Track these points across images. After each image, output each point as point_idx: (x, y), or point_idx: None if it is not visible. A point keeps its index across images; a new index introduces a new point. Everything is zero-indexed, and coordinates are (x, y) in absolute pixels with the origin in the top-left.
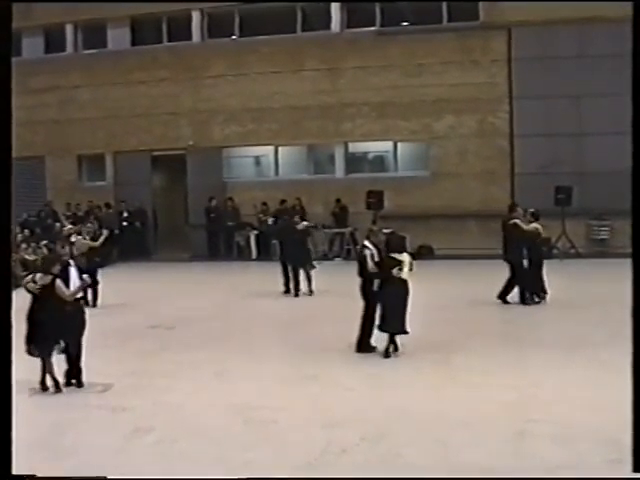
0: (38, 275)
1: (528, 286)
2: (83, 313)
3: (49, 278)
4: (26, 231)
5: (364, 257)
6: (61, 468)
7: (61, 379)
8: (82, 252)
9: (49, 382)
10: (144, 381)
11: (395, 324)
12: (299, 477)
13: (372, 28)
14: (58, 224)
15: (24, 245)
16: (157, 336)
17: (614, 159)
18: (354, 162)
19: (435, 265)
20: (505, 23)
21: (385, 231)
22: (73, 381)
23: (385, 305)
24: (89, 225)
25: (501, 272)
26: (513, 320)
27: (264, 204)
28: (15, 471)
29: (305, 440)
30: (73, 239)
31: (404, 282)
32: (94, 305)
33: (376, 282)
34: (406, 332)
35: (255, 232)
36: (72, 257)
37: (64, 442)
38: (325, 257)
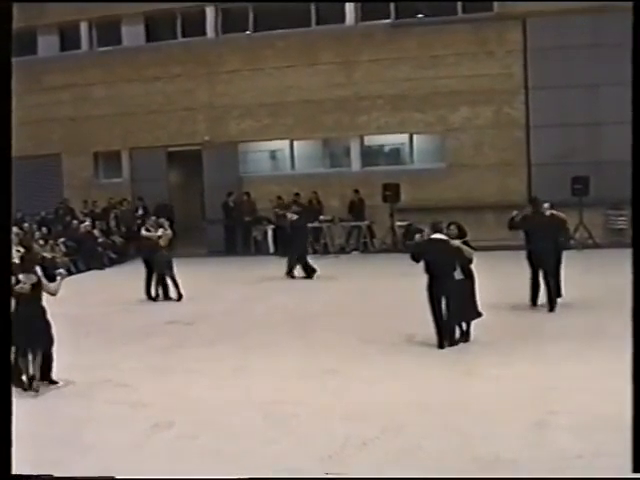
0: (21, 276)
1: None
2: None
3: (34, 277)
4: (44, 229)
5: None
6: (81, 464)
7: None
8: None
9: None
10: (163, 377)
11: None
12: (300, 477)
13: (386, 21)
14: (75, 221)
15: (42, 242)
16: (176, 332)
17: (631, 148)
18: (370, 155)
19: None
20: (520, 14)
21: (402, 224)
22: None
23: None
24: (153, 219)
25: (516, 264)
26: (530, 312)
27: (279, 198)
28: (22, 471)
29: (325, 434)
30: (146, 233)
31: None
32: (179, 298)
33: None
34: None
35: (272, 227)
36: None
37: (84, 438)
38: (342, 250)
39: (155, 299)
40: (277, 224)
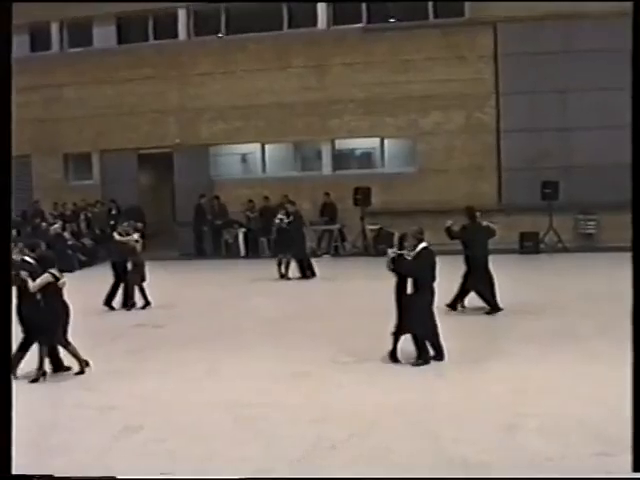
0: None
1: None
2: None
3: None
4: (13, 231)
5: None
6: (50, 467)
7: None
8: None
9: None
10: (132, 380)
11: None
12: (299, 477)
13: (358, 25)
14: (45, 224)
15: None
16: (146, 334)
17: (600, 153)
18: (341, 159)
19: None
20: (491, 19)
21: (373, 227)
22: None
23: None
24: (126, 223)
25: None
26: (498, 315)
27: (250, 201)
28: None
29: (295, 436)
30: (120, 237)
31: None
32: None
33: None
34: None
35: (243, 230)
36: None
37: (53, 441)
38: (314, 254)
39: (131, 308)
40: (248, 227)
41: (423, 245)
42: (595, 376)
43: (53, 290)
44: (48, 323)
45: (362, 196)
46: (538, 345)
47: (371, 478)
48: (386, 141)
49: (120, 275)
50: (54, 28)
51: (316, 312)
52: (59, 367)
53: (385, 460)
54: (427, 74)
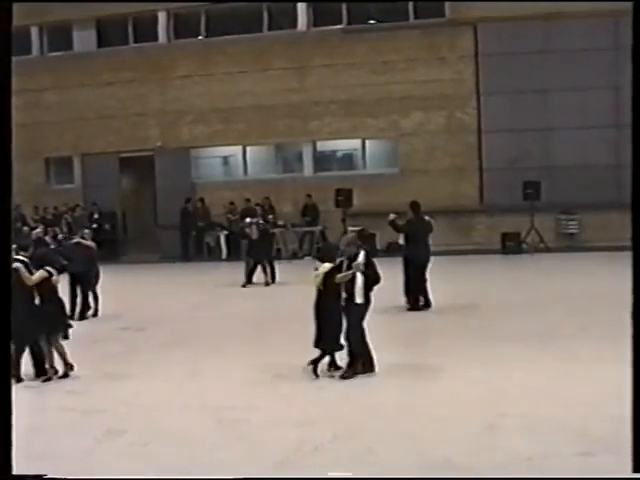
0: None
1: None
2: None
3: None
4: None
5: None
6: (33, 471)
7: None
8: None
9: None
10: (115, 383)
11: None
12: (298, 477)
13: (338, 26)
14: (26, 228)
15: None
16: (128, 338)
17: (581, 153)
18: (322, 160)
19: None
20: (471, 19)
21: (354, 229)
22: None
23: None
24: (86, 231)
25: (469, 269)
26: (479, 315)
27: (232, 204)
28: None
29: (278, 439)
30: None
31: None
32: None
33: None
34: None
35: (225, 232)
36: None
37: (35, 445)
38: (295, 256)
39: (85, 318)
40: (229, 229)
41: (363, 254)
42: (577, 375)
43: (49, 288)
44: (46, 321)
45: (344, 197)
46: (519, 345)
47: (365, 477)
48: (367, 142)
49: (78, 282)
50: (34, 32)
51: (296, 314)
52: (42, 371)
53: (368, 462)
54: (408, 75)
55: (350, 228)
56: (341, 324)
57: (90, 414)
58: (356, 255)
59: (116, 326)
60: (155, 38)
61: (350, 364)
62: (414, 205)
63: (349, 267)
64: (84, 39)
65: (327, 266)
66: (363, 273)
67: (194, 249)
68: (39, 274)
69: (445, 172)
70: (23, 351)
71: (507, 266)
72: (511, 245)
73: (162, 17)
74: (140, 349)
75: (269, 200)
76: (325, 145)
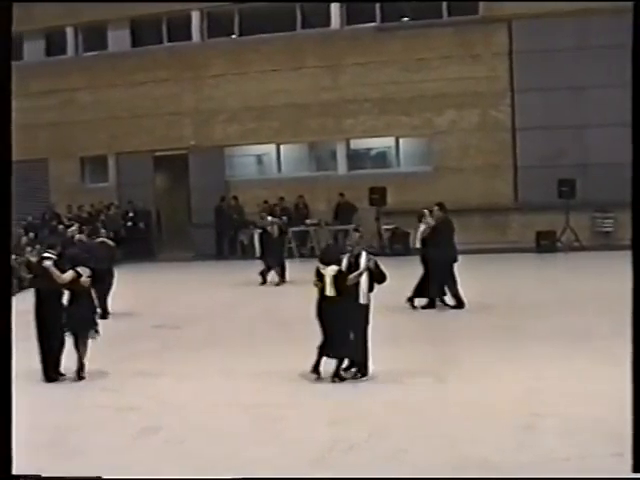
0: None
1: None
2: None
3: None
4: (30, 234)
5: None
6: (68, 468)
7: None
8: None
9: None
10: (150, 381)
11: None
12: (300, 477)
13: (372, 24)
14: (62, 226)
15: (29, 248)
16: (162, 336)
17: (617, 150)
18: (356, 159)
19: None
20: (505, 16)
21: (388, 227)
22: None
23: None
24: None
25: (502, 267)
26: (512, 314)
27: (265, 202)
28: (17, 471)
29: (312, 437)
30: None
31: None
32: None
33: None
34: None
35: (259, 230)
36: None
37: (71, 442)
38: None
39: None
40: (263, 228)
41: (365, 254)
42: (611, 376)
43: (79, 288)
44: (75, 321)
45: (377, 196)
46: (553, 345)
47: (380, 478)
48: (401, 140)
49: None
50: (69, 32)
51: None
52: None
53: (403, 461)
54: (441, 72)
55: (384, 226)
56: (351, 326)
57: (125, 411)
58: (359, 255)
59: (150, 324)
60: (189, 37)
61: (347, 367)
62: (442, 206)
63: (351, 267)
64: (118, 39)
65: (334, 268)
66: (369, 273)
67: (228, 247)
68: (70, 274)
69: (479, 170)
70: (55, 349)
71: (541, 265)
72: (546, 243)
73: (195, 16)
74: (174, 347)
75: (303, 198)
76: (359, 143)
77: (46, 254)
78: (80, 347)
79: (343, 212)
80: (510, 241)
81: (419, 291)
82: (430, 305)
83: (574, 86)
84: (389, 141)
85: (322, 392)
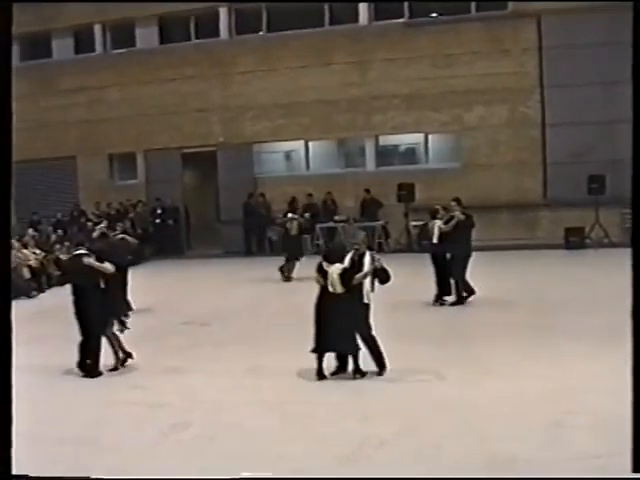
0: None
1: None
2: None
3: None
4: (59, 231)
5: None
6: (99, 465)
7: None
8: None
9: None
10: (179, 377)
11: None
12: (301, 477)
13: (400, 20)
14: (90, 223)
15: (58, 245)
16: (191, 332)
17: (632, 149)
18: (385, 155)
19: None
20: (534, 11)
21: (416, 223)
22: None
23: None
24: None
25: (531, 264)
26: (542, 311)
27: (294, 198)
28: (19, 471)
29: (342, 433)
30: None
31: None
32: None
33: None
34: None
35: (278, 228)
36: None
37: (101, 439)
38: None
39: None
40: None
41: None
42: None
43: (112, 282)
44: (113, 312)
45: (406, 192)
46: (582, 342)
47: (387, 479)
48: (430, 136)
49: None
50: (97, 30)
51: None
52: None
53: (433, 457)
54: (470, 68)
55: (412, 223)
56: (355, 324)
57: (155, 408)
58: (362, 255)
59: (179, 321)
60: (216, 34)
61: (340, 366)
62: (459, 202)
63: (355, 266)
64: (146, 36)
65: (339, 266)
66: (373, 272)
67: (256, 244)
68: (110, 266)
69: (508, 166)
70: (99, 344)
71: (570, 261)
72: (575, 240)
73: (223, 13)
74: (204, 344)
75: (331, 195)
76: (387, 139)
77: (81, 251)
78: (114, 339)
79: (369, 208)
80: (539, 238)
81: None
82: (460, 301)
83: (604, 82)
84: (418, 137)
85: (351, 389)
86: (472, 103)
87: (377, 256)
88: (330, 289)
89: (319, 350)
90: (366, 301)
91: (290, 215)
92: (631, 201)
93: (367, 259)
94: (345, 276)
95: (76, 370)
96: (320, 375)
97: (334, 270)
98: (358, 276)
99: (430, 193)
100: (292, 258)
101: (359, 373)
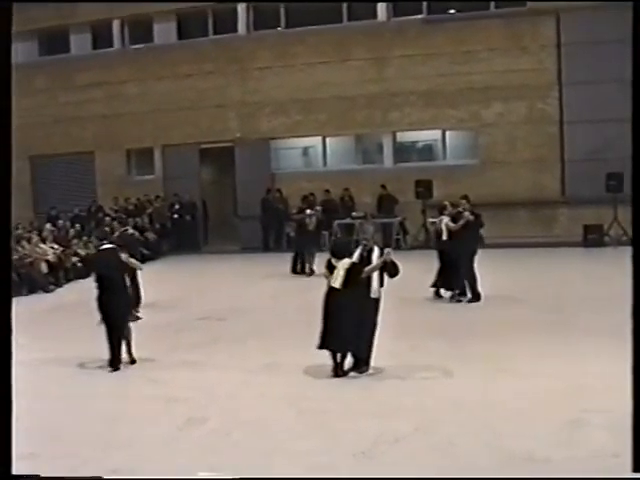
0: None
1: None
2: None
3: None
4: (77, 226)
5: None
6: (115, 459)
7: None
8: None
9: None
10: (196, 372)
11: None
12: (301, 477)
13: (418, 16)
14: (108, 218)
15: (75, 240)
16: (208, 328)
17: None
18: (402, 151)
19: (484, 254)
20: (553, 8)
21: (434, 220)
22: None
23: None
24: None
25: (549, 262)
26: (559, 309)
27: (311, 194)
28: (36, 463)
29: (358, 430)
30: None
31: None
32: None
33: None
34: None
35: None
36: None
37: (118, 433)
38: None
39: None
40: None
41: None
42: None
43: (131, 275)
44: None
45: (423, 189)
46: (600, 340)
47: (387, 478)
48: (447, 133)
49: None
50: (115, 26)
51: None
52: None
53: (448, 454)
54: (489, 65)
55: (430, 220)
56: (359, 320)
57: (172, 402)
58: (371, 250)
59: (196, 316)
60: (234, 30)
61: (356, 363)
62: (468, 199)
63: (363, 261)
64: (164, 32)
65: (348, 262)
66: (383, 265)
67: (274, 239)
68: (135, 260)
69: (526, 163)
70: (122, 335)
71: (589, 259)
72: (593, 238)
73: (241, 9)
74: (220, 339)
75: (349, 191)
76: (405, 136)
77: (111, 245)
78: (128, 332)
79: (385, 204)
80: (557, 235)
81: (447, 283)
82: (477, 298)
83: (622, 79)
84: (435, 134)
85: (367, 385)
86: (490, 100)
87: (387, 249)
88: (333, 284)
89: (323, 347)
90: (375, 296)
91: (309, 211)
92: (631, 201)
93: (375, 254)
94: (353, 271)
95: (92, 364)
96: (336, 372)
97: (342, 265)
98: (367, 269)
99: (448, 190)
100: (304, 252)
101: (343, 372)
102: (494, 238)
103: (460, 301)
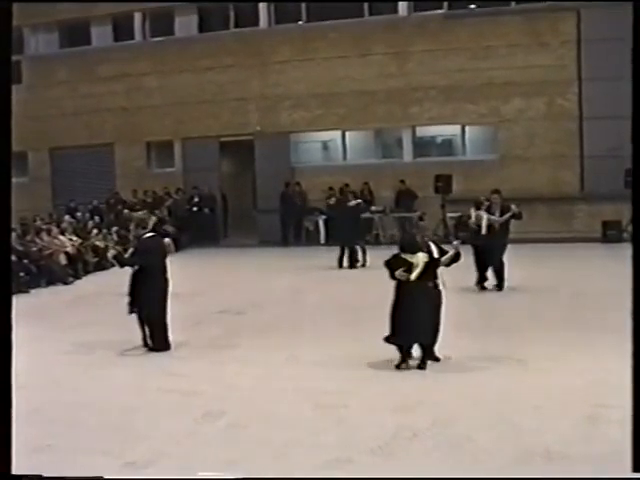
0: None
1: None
2: None
3: None
4: (96, 218)
5: None
6: (133, 452)
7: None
8: None
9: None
10: (214, 366)
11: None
12: (301, 477)
13: (439, 11)
14: (127, 210)
15: (95, 232)
16: (226, 321)
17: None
18: (422, 146)
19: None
20: (574, 4)
21: (453, 215)
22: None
23: None
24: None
25: (568, 257)
26: (577, 304)
27: (330, 188)
28: (21, 470)
29: (376, 424)
30: None
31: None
32: None
33: None
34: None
35: (323, 217)
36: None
37: (136, 426)
38: (394, 242)
39: None
40: (328, 214)
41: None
42: None
43: None
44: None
45: (443, 184)
46: (617, 336)
47: (384, 478)
48: (467, 128)
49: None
50: (137, 18)
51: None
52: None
53: (466, 449)
54: (509, 60)
55: (449, 214)
56: (435, 313)
57: (189, 396)
58: (428, 244)
59: (215, 309)
60: (255, 23)
61: (425, 354)
62: (500, 193)
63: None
64: (185, 24)
65: (423, 255)
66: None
67: (293, 233)
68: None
69: (545, 159)
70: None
71: (607, 255)
72: (612, 233)
73: (263, 3)
74: (239, 332)
75: (368, 185)
76: (425, 131)
77: (150, 233)
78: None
79: (404, 199)
80: (576, 231)
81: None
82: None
83: None
84: (455, 129)
85: (388, 379)
86: (510, 95)
87: (456, 242)
88: (413, 278)
89: (401, 341)
90: (443, 287)
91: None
92: (632, 201)
93: (433, 247)
94: (430, 265)
95: (111, 355)
96: (400, 364)
97: (421, 258)
98: (444, 259)
99: (467, 185)
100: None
101: (425, 363)
102: (513, 233)
103: (484, 288)
